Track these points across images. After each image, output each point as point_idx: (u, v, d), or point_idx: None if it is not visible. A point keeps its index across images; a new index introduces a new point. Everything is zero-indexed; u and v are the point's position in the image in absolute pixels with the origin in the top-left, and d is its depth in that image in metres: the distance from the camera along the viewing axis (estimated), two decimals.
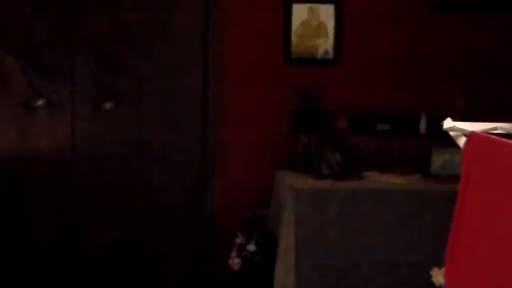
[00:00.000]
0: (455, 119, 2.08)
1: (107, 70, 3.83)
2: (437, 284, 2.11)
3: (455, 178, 2.10)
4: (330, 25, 3.90)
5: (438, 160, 3.58)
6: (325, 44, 3.92)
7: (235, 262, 3.67)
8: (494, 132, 2.02)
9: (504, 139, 1.95)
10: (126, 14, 3.82)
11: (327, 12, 3.88)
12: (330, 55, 3.91)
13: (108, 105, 3.82)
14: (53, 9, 3.78)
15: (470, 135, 2.00)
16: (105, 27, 3.81)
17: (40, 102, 3.78)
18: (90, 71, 3.81)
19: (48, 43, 3.78)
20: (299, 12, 3.87)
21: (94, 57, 3.81)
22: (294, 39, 3.89)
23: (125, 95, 3.85)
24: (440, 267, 2.07)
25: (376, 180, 3.56)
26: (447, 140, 2.15)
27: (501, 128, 2.04)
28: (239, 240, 3.72)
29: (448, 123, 2.07)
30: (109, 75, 3.83)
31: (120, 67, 3.84)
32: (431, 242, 3.35)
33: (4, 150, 3.78)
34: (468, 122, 2.06)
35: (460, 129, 2.04)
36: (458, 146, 2.07)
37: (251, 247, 3.65)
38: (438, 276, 2.11)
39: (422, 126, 3.74)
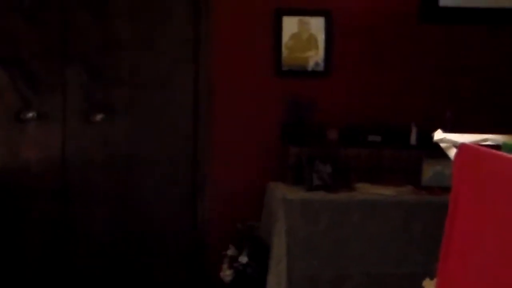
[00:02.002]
0: (445, 130, 2.09)
1: (97, 82, 3.84)
2: None
3: (445, 190, 2.11)
4: (321, 37, 3.92)
5: (429, 171, 3.60)
6: (316, 56, 3.93)
7: (226, 274, 3.66)
8: (484, 143, 2.04)
9: (494, 151, 1.97)
10: (117, 27, 3.82)
11: (317, 25, 3.91)
12: (321, 67, 3.93)
13: (98, 117, 3.82)
14: (43, 21, 3.78)
15: (461, 147, 2.01)
16: (96, 39, 3.82)
17: (30, 114, 3.77)
18: (81, 83, 3.82)
19: (38, 55, 3.79)
20: (290, 25, 3.90)
21: (85, 69, 3.82)
22: (284, 51, 3.91)
23: (115, 107, 3.85)
24: (432, 278, 2.07)
25: (367, 191, 3.57)
26: (438, 151, 2.16)
27: (491, 140, 2.06)
28: (230, 252, 3.71)
29: (438, 134, 2.08)
30: (100, 87, 3.84)
31: (110, 79, 3.84)
32: (422, 253, 3.36)
33: None
34: (458, 134, 2.07)
35: (451, 141, 2.05)
36: (448, 158, 2.08)
37: (243, 259, 3.64)
38: (430, 287, 2.12)
39: (413, 138, 3.76)
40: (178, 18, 3.86)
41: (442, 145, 2.09)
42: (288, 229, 3.40)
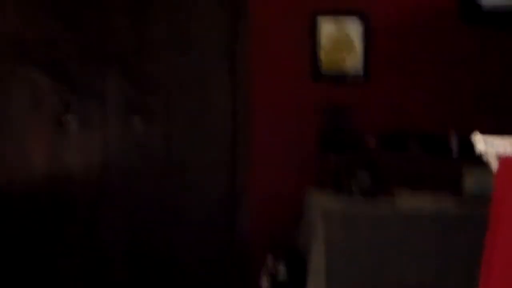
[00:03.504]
0: (485, 135, 2.03)
1: (135, 85, 3.87)
2: None
3: (488, 200, 2.06)
4: (359, 41, 3.86)
5: (470, 180, 3.52)
6: (354, 61, 3.88)
7: (265, 282, 3.63)
8: None
9: None
10: (154, 31, 3.86)
11: (355, 28, 3.86)
12: (359, 71, 3.88)
13: (137, 121, 3.85)
14: (82, 26, 3.84)
15: (502, 158, 1.95)
16: (134, 43, 3.86)
17: (71, 118, 3.82)
18: (119, 87, 3.87)
19: (78, 59, 3.85)
20: (327, 28, 3.86)
21: (123, 72, 3.86)
22: (322, 56, 3.87)
23: (154, 110, 3.88)
24: None
25: (407, 200, 3.51)
26: (480, 160, 2.11)
27: None
28: (268, 261, 3.70)
29: (480, 142, 2.02)
30: (138, 91, 3.88)
31: (148, 82, 3.88)
32: (463, 266, 3.28)
33: (36, 166, 3.84)
34: (499, 140, 2.02)
35: (492, 146, 2.00)
36: (491, 167, 2.02)
37: (281, 268, 3.62)
38: None
39: (454, 145, 3.70)
40: (215, 22, 3.87)
41: (484, 153, 2.04)
42: (327, 239, 3.36)
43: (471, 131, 2.63)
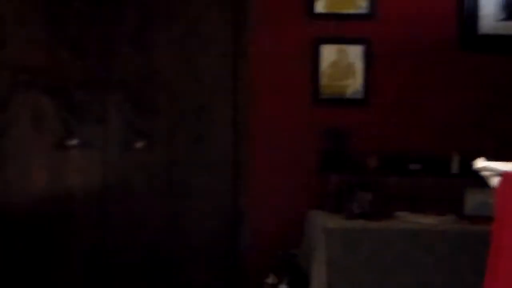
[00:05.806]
0: (487, 159, 2.06)
1: (138, 110, 3.90)
2: None
3: (489, 219, 2.07)
4: (359, 65, 3.92)
5: (472, 200, 3.54)
6: (354, 85, 3.93)
7: None
8: None
9: None
10: (157, 57, 3.90)
11: (356, 53, 3.91)
12: (359, 95, 3.93)
13: (138, 145, 3.87)
14: (87, 52, 3.88)
15: (503, 176, 1.97)
16: (136, 69, 3.90)
17: (73, 142, 3.85)
18: (122, 111, 3.89)
19: (81, 84, 3.88)
20: (328, 53, 3.91)
21: (126, 97, 3.89)
22: (323, 79, 3.92)
23: (156, 134, 3.91)
24: None
25: (408, 220, 3.53)
26: (481, 180, 2.12)
27: None
28: (270, 280, 3.70)
29: (480, 163, 2.04)
30: (140, 115, 3.90)
31: (150, 107, 3.91)
32: (465, 285, 3.30)
33: (37, 188, 3.86)
34: (500, 162, 2.04)
35: (493, 169, 2.01)
36: (491, 187, 2.04)
37: (283, 287, 3.62)
38: None
39: (455, 166, 3.72)
40: (217, 48, 3.92)
41: (484, 173, 2.06)
42: (328, 258, 3.38)
43: (471, 152, 2.66)
